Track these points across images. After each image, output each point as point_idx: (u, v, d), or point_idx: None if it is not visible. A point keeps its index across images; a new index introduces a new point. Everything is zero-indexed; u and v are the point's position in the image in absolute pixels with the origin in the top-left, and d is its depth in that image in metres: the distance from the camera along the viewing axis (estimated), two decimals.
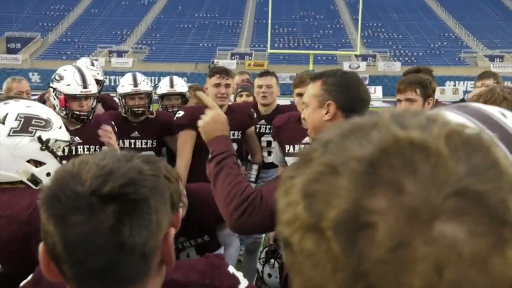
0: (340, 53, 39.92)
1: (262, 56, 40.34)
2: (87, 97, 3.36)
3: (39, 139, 1.75)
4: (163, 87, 4.76)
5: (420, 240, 0.40)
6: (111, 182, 0.83)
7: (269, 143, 4.33)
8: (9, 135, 1.68)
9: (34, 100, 3.28)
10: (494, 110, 0.90)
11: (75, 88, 3.32)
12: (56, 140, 1.79)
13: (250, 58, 41.21)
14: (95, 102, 3.44)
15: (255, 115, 4.10)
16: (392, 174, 0.42)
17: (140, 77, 4.22)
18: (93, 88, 3.42)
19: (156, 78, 25.23)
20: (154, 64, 38.57)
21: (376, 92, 30.89)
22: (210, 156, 1.94)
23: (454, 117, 0.91)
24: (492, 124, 0.88)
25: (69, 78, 3.35)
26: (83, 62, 4.51)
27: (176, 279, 1.18)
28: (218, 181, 1.87)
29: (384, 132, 0.44)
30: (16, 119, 1.71)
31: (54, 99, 3.38)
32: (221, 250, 3.54)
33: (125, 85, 4.15)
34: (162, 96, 4.74)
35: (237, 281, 1.31)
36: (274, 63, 38.25)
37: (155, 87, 4.80)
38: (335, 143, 0.46)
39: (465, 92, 27.31)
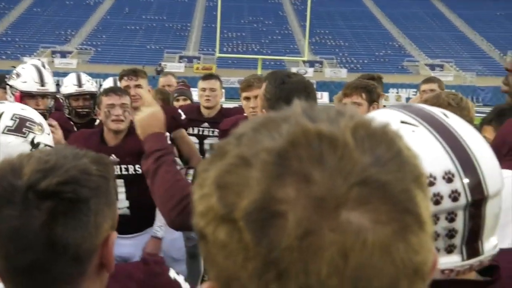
0: (288, 59, 40.39)
1: (210, 60, 40.25)
2: (44, 95, 3.27)
3: (32, 141, 1.77)
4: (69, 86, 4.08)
5: (326, 227, 0.41)
6: (49, 178, 0.81)
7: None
8: (3, 132, 1.71)
9: None
10: (436, 110, 0.94)
11: (31, 86, 3.25)
12: (45, 145, 1.79)
13: (199, 61, 41.04)
14: (52, 102, 3.35)
15: (182, 117, 3.97)
16: (300, 165, 0.43)
17: (84, 77, 4.10)
18: (50, 87, 3.34)
19: (102, 79, 24.66)
20: (100, 66, 37.73)
21: (323, 98, 31.47)
22: (146, 152, 1.89)
23: (398, 115, 0.94)
24: (434, 122, 0.91)
25: (26, 76, 3.28)
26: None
27: None
28: (156, 178, 1.83)
29: (294, 125, 0.45)
30: (11, 119, 1.73)
31: (10, 97, 3.29)
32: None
33: (68, 85, 4.01)
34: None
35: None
36: (222, 67, 38.24)
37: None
38: (248, 136, 0.46)
39: (408, 99, 28.28)
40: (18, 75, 3.32)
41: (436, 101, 2.27)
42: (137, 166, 3.11)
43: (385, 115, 0.94)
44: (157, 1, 54.18)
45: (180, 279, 1.28)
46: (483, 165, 0.86)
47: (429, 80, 4.74)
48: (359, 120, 0.46)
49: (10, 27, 46.20)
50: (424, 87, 4.58)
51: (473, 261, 0.89)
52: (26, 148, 1.72)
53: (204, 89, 4.30)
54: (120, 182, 3.11)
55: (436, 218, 0.85)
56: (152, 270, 1.23)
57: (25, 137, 1.73)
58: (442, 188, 0.85)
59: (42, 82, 3.28)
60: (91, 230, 0.84)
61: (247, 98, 3.46)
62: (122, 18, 49.69)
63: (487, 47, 47.24)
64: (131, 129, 3.05)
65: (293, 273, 0.41)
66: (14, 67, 3.55)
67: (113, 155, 3.08)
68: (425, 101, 2.32)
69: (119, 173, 3.11)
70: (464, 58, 44.47)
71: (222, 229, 0.44)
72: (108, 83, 4.64)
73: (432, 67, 42.09)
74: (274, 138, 0.44)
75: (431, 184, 0.84)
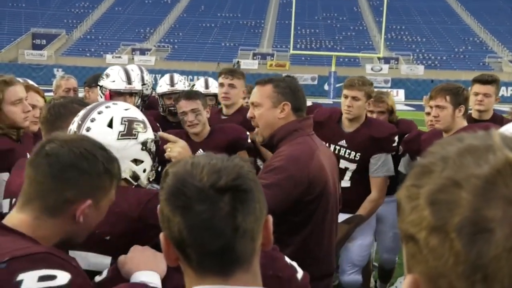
0: (362, 55, 39.73)
1: (284, 56, 40.35)
2: (131, 93, 3.51)
3: (141, 141, 1.90)
4: (198, 88, 4.81)
5: None
6: (224, 177, 0.99)
7: None
8: (118, 139, 1.83)
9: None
10: None
11: (119, 84, 3.51)
12: (152, 140, 1.93)
13: (272, 58, 41.27)
14: (139, 100, 3.56)
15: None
16: (507, 190, 0.52)
17: (177, 77, 4.32)
18: (137, 85, 3.59)
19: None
20: (177, 63, 38.84)
21: (398, 95, 30.63)
22: None
23: None
24: None
25: (115, 75, 3.54)
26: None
27: None
28: None
29: (499, 155, 0.54)
30: (121, 123, 1.85)
31: (101, 97, 3.55)
32: None
33: (162, 85, 4.26)
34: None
35: (295, 271, 1.46)
36: (295, 64, 38.26)
37: None
38: (454, 160, 0.56)
39: None
40: (107, 75, 3.58)
41: None
42: None
43: None
44: None
45: (294, 264, 1.46)
46: None
47: None
48: None
49: (93, 26, 48.52)
50: None
51: None
52: (138, 148, 1.87)
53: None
54: None
55: None
56: (271, 255, 1.39)
57: (136, 139, 1.86)
58: None
59: (129, 81, 3.52)
60: (258, 214, 1.02)
61: (346, 96, 3.54)
62: (198, 16, 50.85)
63: None
64: (213, 127, 3.41)
65: (499, 277, 0.50)
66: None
67: (200, 150, 3.24)
68: None
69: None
70: None
71: (434, 237, 0.55)
72: (200, 83, 4.84)
73: None
74: (481, 166, 0.54)
75: None
